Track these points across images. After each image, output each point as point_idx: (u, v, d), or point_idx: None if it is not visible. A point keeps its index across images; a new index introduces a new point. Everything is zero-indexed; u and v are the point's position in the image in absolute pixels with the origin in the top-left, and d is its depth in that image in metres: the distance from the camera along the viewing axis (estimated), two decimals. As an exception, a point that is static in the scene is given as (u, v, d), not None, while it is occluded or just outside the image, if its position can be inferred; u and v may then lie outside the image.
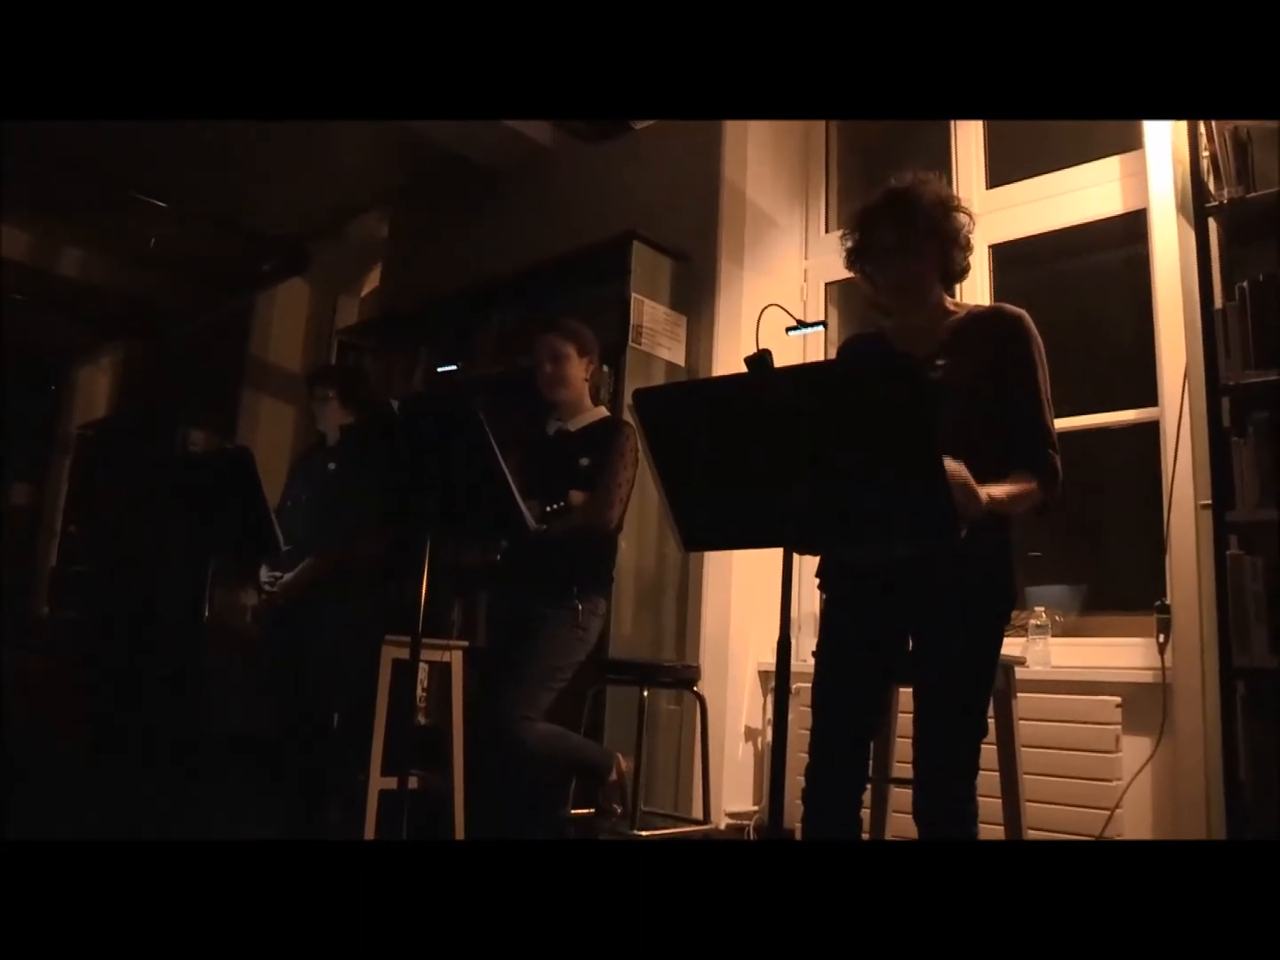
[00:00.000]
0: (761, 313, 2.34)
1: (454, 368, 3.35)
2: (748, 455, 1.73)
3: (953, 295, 2.18)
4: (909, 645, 2.10)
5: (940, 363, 2.01)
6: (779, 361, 2.00)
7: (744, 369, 2.16)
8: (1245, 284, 2.59)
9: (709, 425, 1.78)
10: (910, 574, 1.99)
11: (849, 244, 2.17)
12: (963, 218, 2.10)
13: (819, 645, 2.13)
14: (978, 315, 2.12)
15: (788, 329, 3.58)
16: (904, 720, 2.57)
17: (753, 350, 2.10)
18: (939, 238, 2.07)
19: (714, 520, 1.85)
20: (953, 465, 1.69)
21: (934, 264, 2.09)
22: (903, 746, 2.57)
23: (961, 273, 2.15)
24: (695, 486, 1.82)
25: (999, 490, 1.88)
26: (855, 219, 2.16)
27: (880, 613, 2.06)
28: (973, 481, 1.77)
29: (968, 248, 2.12)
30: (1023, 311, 2.08)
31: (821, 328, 2.54)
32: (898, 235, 2.06)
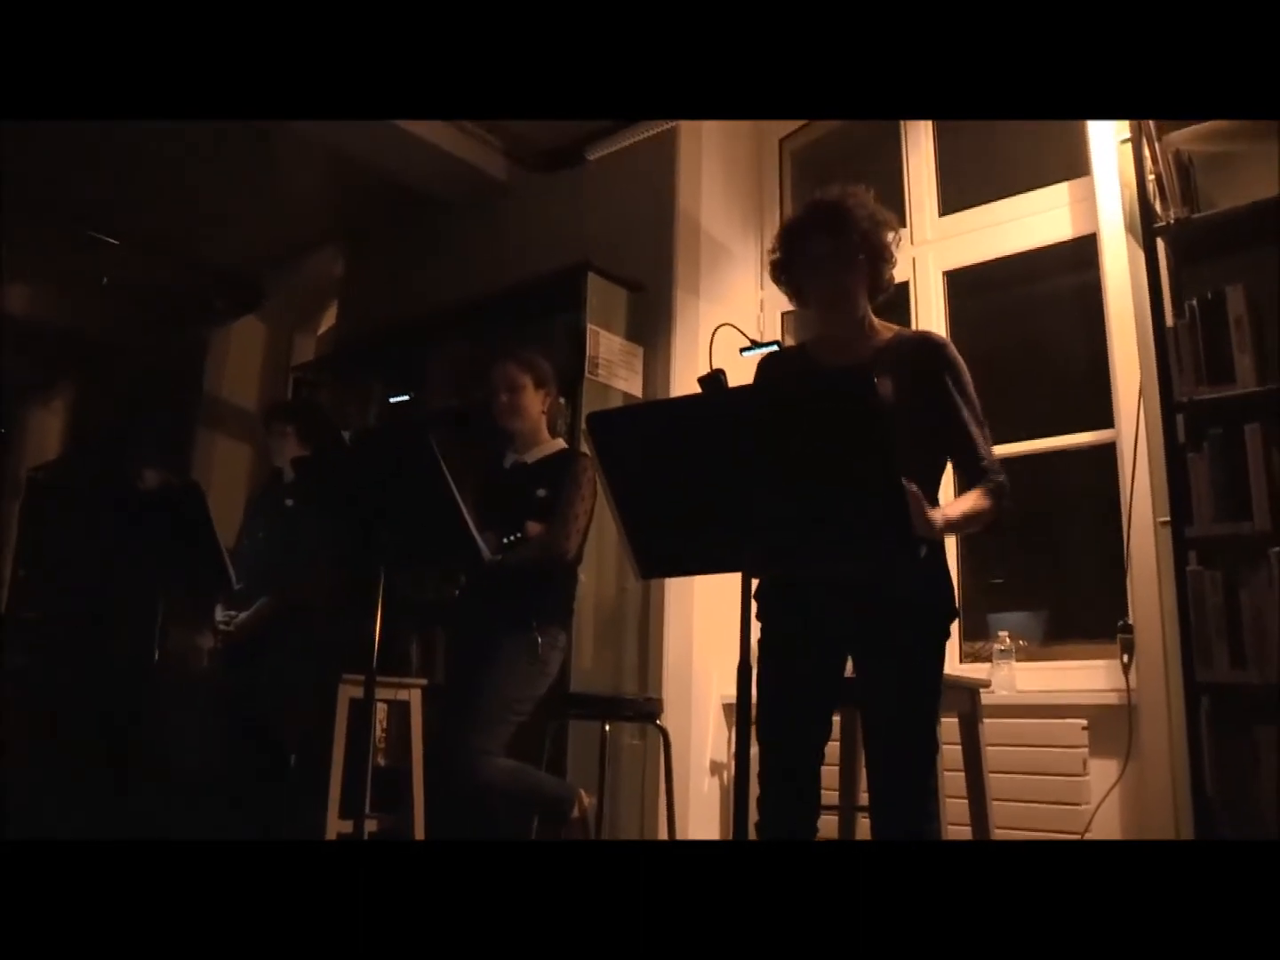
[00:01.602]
0: (715, 333, 2.33)
1: (407, 398, 3.33)
2: (704, 477, 1.70)
3: (876, 310, 2.19)
4: (848, 668, 2.11)
5: None
6: (733, 382, 1.97)
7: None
8: (1195, 301, 2.61)
9: (664, 447, 1.75)
10: (847, 595, 2.00)
11: (776, 256, 2.19)
12: (889, 232, 2.12)
13: (759, 674, 2.12)
14: (904, 338, 2.14)
15: (742, 350, 3.55)
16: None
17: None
18: (868, 251, 2.09)
19: (671, 546, 1.82)
20: (908, 485, 1.70)
21: (863, 277, 2.10)
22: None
23: (887, 286, 2.17)
24: (651, 511, 1.78)
25: (954, 510, 1.93)
26: (784, 231, 2.18)
27: (820, 636, 2.06)
28: (924, 502, 1.80)
29: (893, 262, 2.15)
30: (947, 339, 2.14)
31: (776, 348, 2.54)
32: (830, 247, 2.06)
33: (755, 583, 2.18)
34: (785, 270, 2.18)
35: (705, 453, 1.69)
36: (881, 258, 2.11)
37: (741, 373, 3.38)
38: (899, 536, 1.69)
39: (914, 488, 1.74)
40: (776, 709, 2.05)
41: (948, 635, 2.06)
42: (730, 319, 3.81)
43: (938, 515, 1.86)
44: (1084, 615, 3.35)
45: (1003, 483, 2.00)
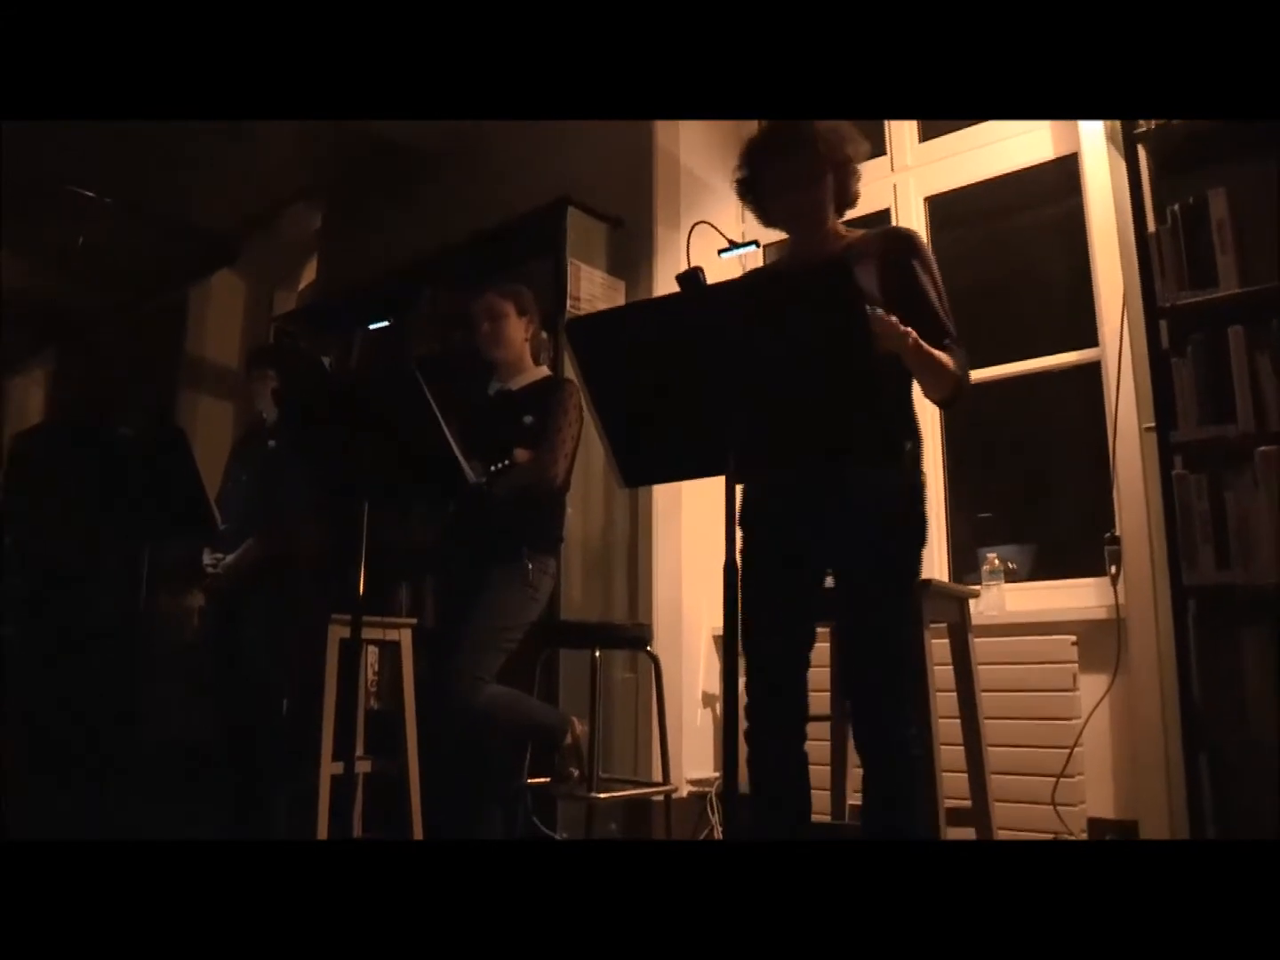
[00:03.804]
0: (691, 230, 2.31)
1: (387, 324, 3.30)
2: (684, 378, 1.69)
3: (842, 208, 2.23)
4: (826, 580, 2.15)
5: None
6: (712, 281, 1.96)
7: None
8: (1176, 207, 2.60)
9: (644, 349, 1.74)
10: (822, 499, 2.04)
11: (741, 175, 2.22)
12: (851, 145, 2.15)
13: (743, 583, 2.14)
14: (872, 234, 2.18)
15: (720, 251, 3.50)
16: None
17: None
18: (832, 165, 2.12)
19: (654, 451, 1.81)
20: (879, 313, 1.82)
21: (829, 191, 2.15)
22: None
23: (853, 199, 2.21)
24: (633, 416, 1.78)
25: (925, 345, 1.94)
26: (747, 150, 2.21)
27: (797, 541, 2.09)
28: (895, 323, 1.85)
29: (857, 175, 2.19)
30: (914, 230, 2.20)
31: (754, 247, 2.50)
32: (795, 164, 2.10)
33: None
34: (751, 188, 2.22)
35: (685, 352, 1.68)
36: (845, 171, 2.15)
37: (720, 275, 3.38)
38: (880, 431, 1.70)
39: (880, 311, 1.84)
40: (758, 616, 2.08)
41: (923, 539, 2.08)
42: (712, 253, 3.79)
43: (911, 338, 1.88)
44: (1073, 547, 3.36)
45: (966, 361, 2.04)
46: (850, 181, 2.17)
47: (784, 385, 1.67)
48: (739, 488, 2.22)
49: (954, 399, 2.05)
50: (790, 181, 2.11)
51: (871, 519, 2.01)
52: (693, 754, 3.57)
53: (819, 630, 2.18)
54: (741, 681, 1.78)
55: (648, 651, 3.08)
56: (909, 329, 1.87)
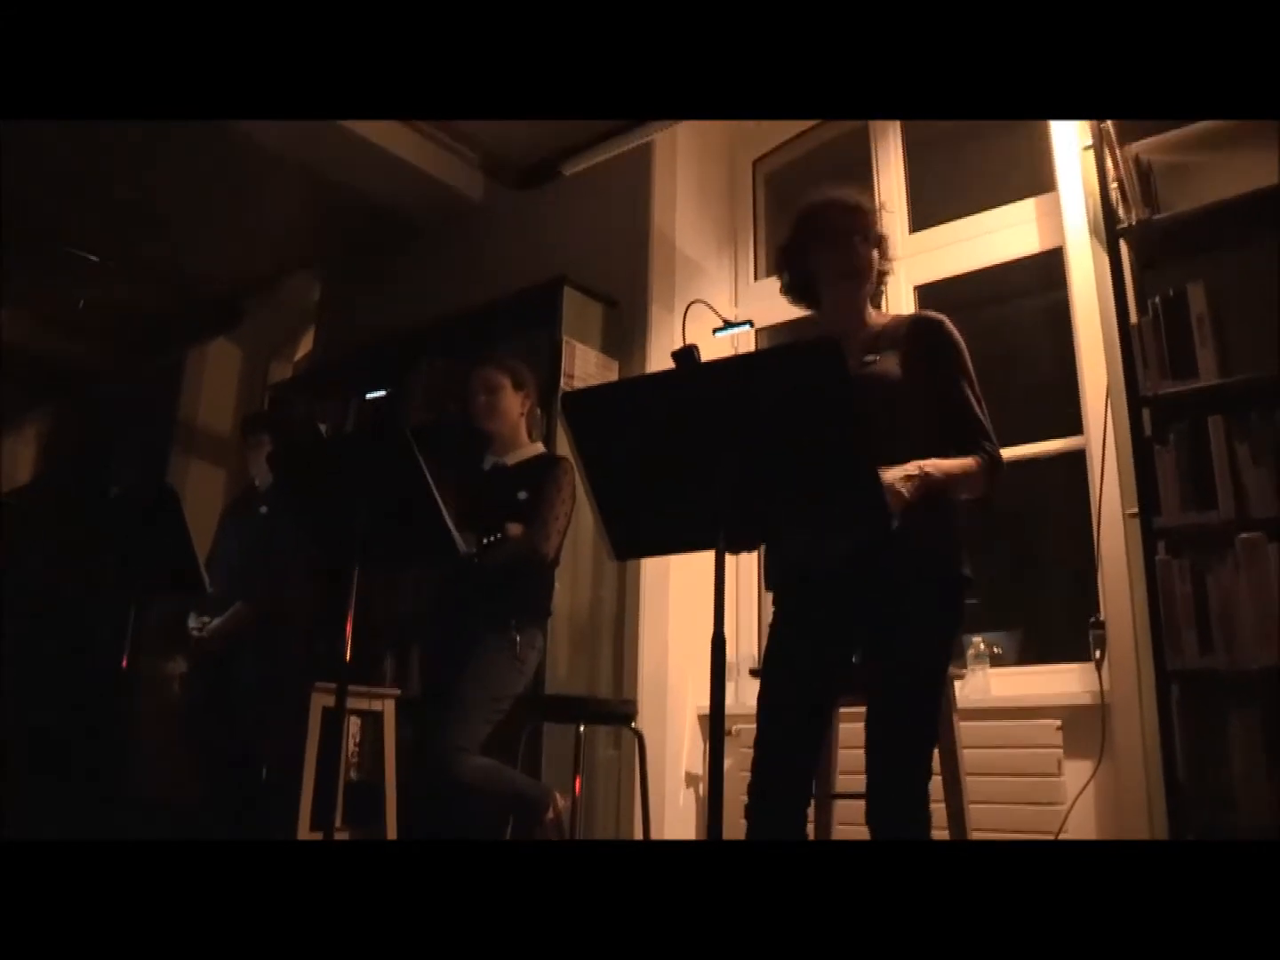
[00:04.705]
0: (687, 309, 2.35)
1: (383, 393, 3.34)
2: (677, 453, 1.72)
3: (875, 302, 2.23)
4: (854, 656, 2.08)
5: (870, 358, 2.05)
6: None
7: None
8: (1157, 299, 2.68)
9: (638, 424, 1.77)
10: (854, 573, 1.98)
11: (786, 241, 2.21)
12: (882, 226, 2.16)
13: (764, 658, 2.11)
14: (901, 320, 2.17)
15: (715, 330, 3.56)
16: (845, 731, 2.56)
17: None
18: (876, 240, 2.13)
19: (646, 524, 1.83)
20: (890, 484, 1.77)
21: (873, 260, 2.14)
22: (845, 758, 2.55)
23: (883, 277, 2.20)
24: (625, 489, 1.79)
25: (943, 463, 1.90)
26: (801, 215, 2.17)
27: (828, 620, 2.03)
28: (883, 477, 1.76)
29: (889, 257, 2.20)
30: (944, 317, 2.13)
31: (748, 327, 2.56)
32: (849, 224, 2.10)
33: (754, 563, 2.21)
34: (792, 253, 2.19)
35: (679, 428, 1.71)
36: (882, 252, 2.16)
37: (714, 354, 3.43)
38: (868, 507, 1.71)
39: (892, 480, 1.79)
40: (776, 700, 2.02)
41: (957, 610, 2.01)
42: (705, 335, 3.86)
43: (916, 467, 1.85)
44: (1058, 632, 3.37)
45: (994, 455, 1.99)
46: (884, 263, 2.17)
47: (775, 460, 1.70)
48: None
49: (986, 498, 2.01)
50: (841, 239, 2.10)
51: (901, 580, 1.96)
52: (675, 834, 3.53)
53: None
54: (729, 761, 1.74)
55: (632, 728, 3.06)
56: (898, 486, 1.83)
